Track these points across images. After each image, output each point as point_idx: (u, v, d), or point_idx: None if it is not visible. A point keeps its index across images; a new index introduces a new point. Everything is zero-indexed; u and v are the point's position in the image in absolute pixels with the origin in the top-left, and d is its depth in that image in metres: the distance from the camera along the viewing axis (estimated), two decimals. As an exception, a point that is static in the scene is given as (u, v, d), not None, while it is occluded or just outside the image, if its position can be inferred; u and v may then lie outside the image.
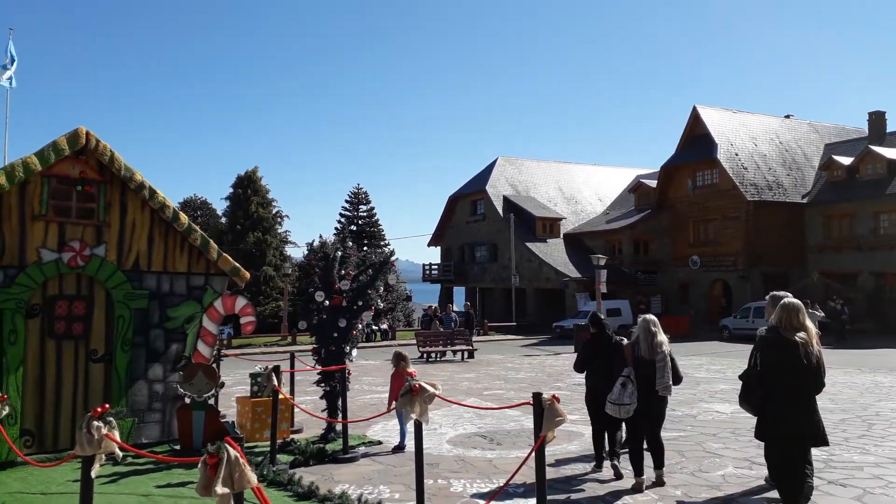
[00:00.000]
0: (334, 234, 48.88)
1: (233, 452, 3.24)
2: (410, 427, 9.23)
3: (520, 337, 34.04)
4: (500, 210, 43.31)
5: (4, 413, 5.88)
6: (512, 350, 26.68)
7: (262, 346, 28.94)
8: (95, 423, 3.91)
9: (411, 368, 9.16)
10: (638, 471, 6.83)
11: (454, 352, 22.65)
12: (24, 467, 7.54)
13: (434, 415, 10.62)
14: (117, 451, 3.99)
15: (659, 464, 6.94)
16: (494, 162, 47.25)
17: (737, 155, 37.12)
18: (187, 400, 8.57)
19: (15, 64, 23.66)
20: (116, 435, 4.00)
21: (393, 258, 10.21)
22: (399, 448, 8.73)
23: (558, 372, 18.28)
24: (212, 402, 8.75)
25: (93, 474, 3.99)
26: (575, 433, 9.61)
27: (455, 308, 33.18)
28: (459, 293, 49.56)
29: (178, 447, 8.61)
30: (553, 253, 40.90)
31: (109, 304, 8.85)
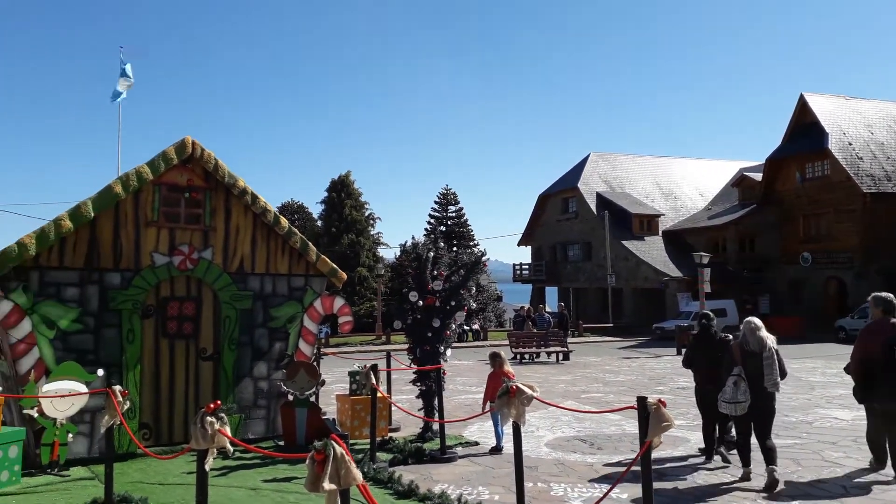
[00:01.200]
0: (424, 234, 49.40)
1: (339, 449, 3.27)
2: (507, 429, 9.14)
3: (617, 339, 33.19)
4: (593, 207, 42.42)
5: (126, 407, 6.25)
6: (609, 352, 26.04)
7: (357, 345, 29.64)
8: (208, 418, 4.06)
9: (508, 368, 9.05)
10: (745, 462, 7.08)
11: (548, 353, 22.35)
12: (144, 458, 7.99)
13: (531, 417, 10.50)
14: (228, 445, 4.13)
15: (771, 460, 6.85)
16: (586, 158, 46.35)
17: (850, 144, 34.72)
18: (290, 397, 8.84)
19: (130, 80, 25.33)
20: (228, 430, 4.14)
21: (485, 258, 10.14)
22: (496, 450, 8.65)
23: (660, 375, 17.67)
24: (313, 399, 8.99)
25: (207, 467, 4.15)
26: (681, 439, 9.22)
27: (548, 308, 32.75)
28: (552, 293, 48.92)
29: (282, 443, 8.89)
30: (651, 251, 39.65)
31: (216, 305, 9.26)
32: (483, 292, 41.70)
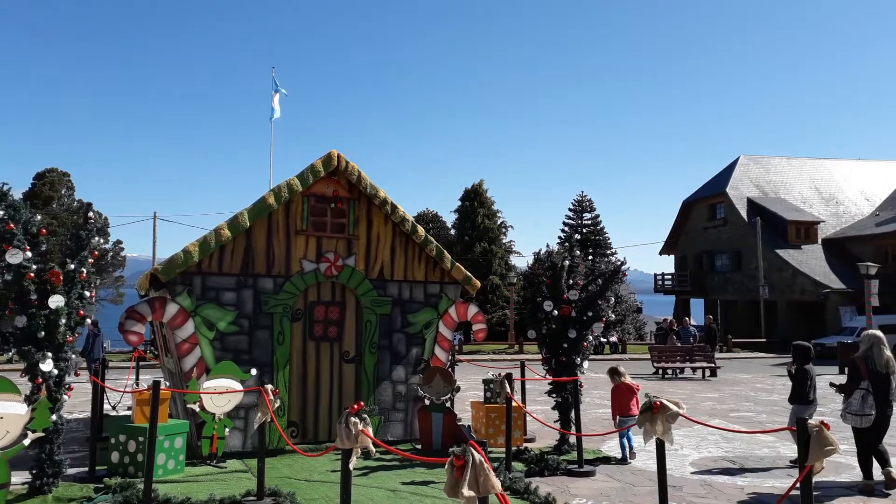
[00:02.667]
0: (558, 243, 48.75)
1: (478, 456, 3.25)
2: (635, 443, 8.81)
3: (770, 355, 30.89)
4: (743, 214, 39.85)
5: (276, 405, 6.63)
6: (761, 369, 24.28)
7: (490, 353, 29.71)
8: (352, 419, 4.19)
9: (630, 380, 8.97)
10: (867, 474, 7.30)
11: (693, 369, 21.22)
12: (291, 455, 8.44)
13: (674, 434, 9.97)
14: (371, 447, 4.24)
15: (885, 462, 7.29)
16: (735, 161, 43.68)
17: None
18: (427, 402, 8.99)
19: (278, 97, 27.15)
20: (370, 431, 4.25)
21: (624, 267, 9.78)
22: (622, 461, 8.60)
23: (819, 396, 16.19)
24: (448, 405, 9.09)
25: (351, 466, 4.29)
26: (844, 465, 8.38)
27: (693, 321, 31.12)
28: (697, 305, 46.43)
29: (419, 446, 9.05)
30: (809, 261, 36.62)
31: (358, 310, 9.63)
32: (622, 303, 40.44)
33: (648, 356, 22.31)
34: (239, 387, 8.11)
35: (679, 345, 22.38)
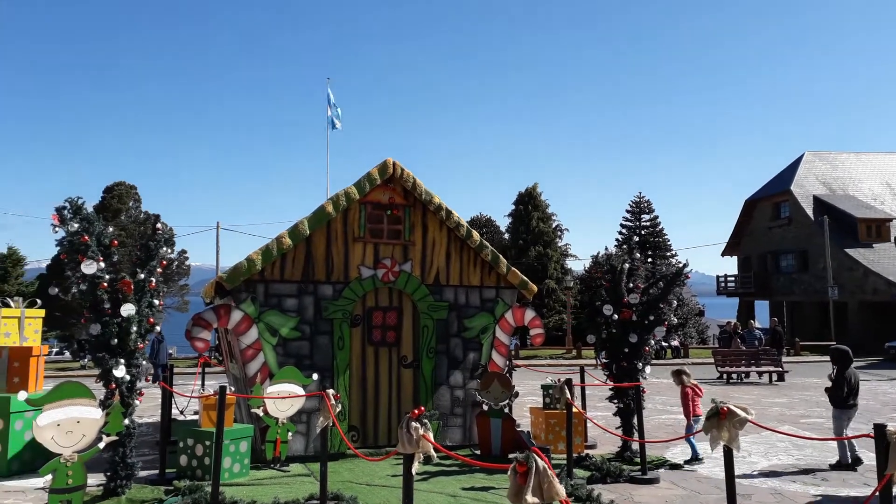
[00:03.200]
0: (616, 245, 47.93)
1: (541, 463, 3.22)
2: (702, 448, 8.60)
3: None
4: (809, 212, 38.38)
5: (338, 410, 6.72)
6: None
7: (547, 358, 29.41)
8: (413, 423, 4.21)
9: (694, 382, 9.02)
10: None
11: (760, 373, 20.51)
12: (352, 459, 8.54)
13: (742, 441, 9.65)
14: (432, 452, 4.25)
15: None
16: (800, 158, 42.14)
17: None
18: (485, 407, 8.95)
19: (338, 108, 27.67)
20: (431, 436, 4.26)
21: (687, 269, 9.53)
22: (694, 459, 8.69)
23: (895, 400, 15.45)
24: (507, 410, 9.03)
25: (413, 471, 4.31)
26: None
27: (757, 324, 30.10)
28: (762, 307, 44.91)
29: (478, 452, 9.02)
30: (882, 260, 34.96)
31: (415, 315, 9.69)
32: (683, 306, 39.43)
33: (712, 360, 21.68)
34: (301, 391, 8.26)
35: (744, 348, 21.69)
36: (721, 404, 5.39)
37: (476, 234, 10.09)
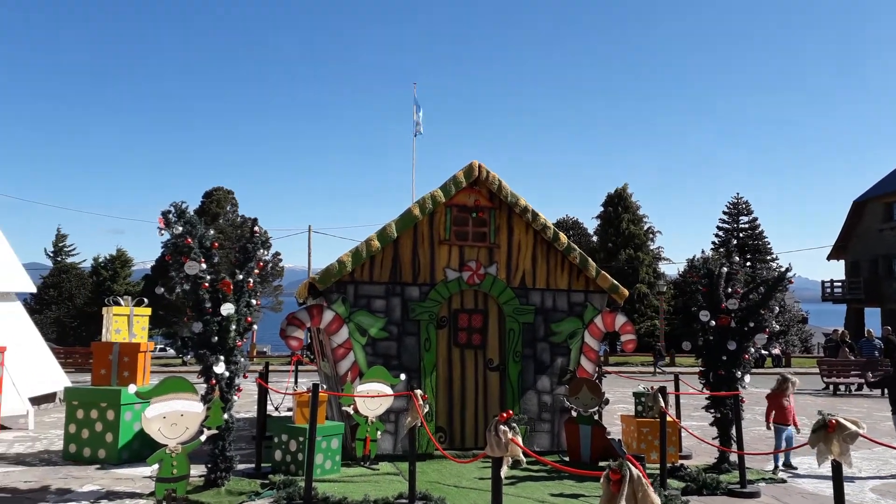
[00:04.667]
0: (712, 248, 46.08)
1: (635, 471, 3.11)
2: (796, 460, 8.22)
3: (961, 370, 27.24)
4: (926, 213, 35.60)
5: (426, 410, 6.77)
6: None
7: (638, 365, 28.62)
8: (502, 427, 4.18)
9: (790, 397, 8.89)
10: None
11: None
12: (440, 460, 8.58)
13: (852, 456, 9.04)
14: (521, 456, 4.20)
15: None
16: (914, 155, 39.17)
17: None
18: (574, 413, 8.79)
19: (421, 113, 28.01)
20: (520, 440, 4.21)
21: (790, 274, 9.02)
22: (787, 465, 8.67)
23: None
24: (596, 417, 8.82)
25: (502, 474, 4.27)
26: None
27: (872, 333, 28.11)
28: (873, 315, 41.95)
29: (566, 458, 8.86)
30: None
31: (501, 318, 9.64)
32: (785, 313, 37.43)
33: (816, 370, 20.42)
34: (389, 391, 8.38)
35: (853, 358, 20.32)
36: (829, 417, 5.07)
37: (563, 237, 9.94)
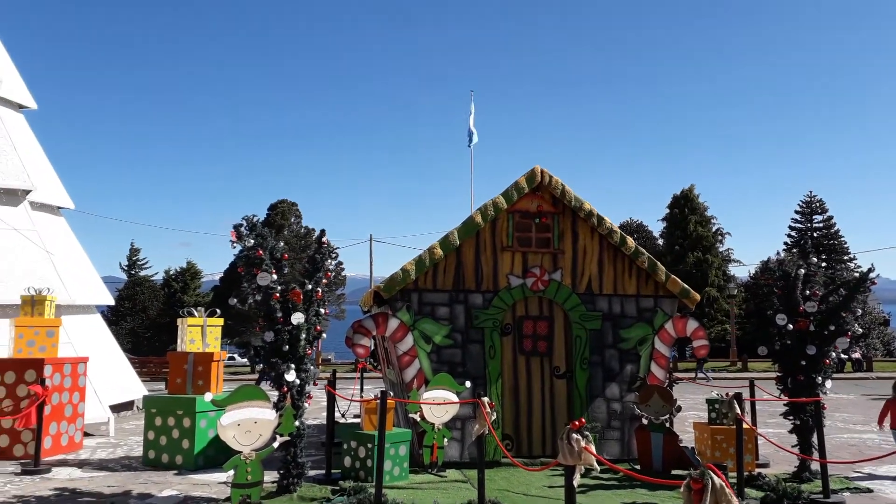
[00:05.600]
0: (784, 249, 44.39)
1: (717, 481, 3.01)
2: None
3: None
4: None
5: (493, 418, 6.74)
6: None
7: (709, 371, 27.76)
8: (574, 435, 4.11)
9: None
10: None
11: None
12: (507, 468, 8.51)
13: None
14: (595, 464, 4.12)
15: None
16: None
17: None
18: (644, 421, 8.59)
19: (472, 118, 27.96)
20: (593, 448, 4.13)
21: (873, 274, 8.58)
22: None
23: None
24: (667, 424, 8.59)
25: (574, 483, 4.20)
26: None
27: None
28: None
29: (637, 467, 8.66)
30: None
31: (567, 325, 9.51)
32: (866, 315, 35.70)
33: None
34: (455, 398, 8.38)
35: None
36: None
37: (631, 241, 9.75)
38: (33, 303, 10.00)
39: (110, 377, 12.85)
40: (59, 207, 14.22)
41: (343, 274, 47.98)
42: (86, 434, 10.77)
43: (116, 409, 12.89)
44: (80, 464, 9.00)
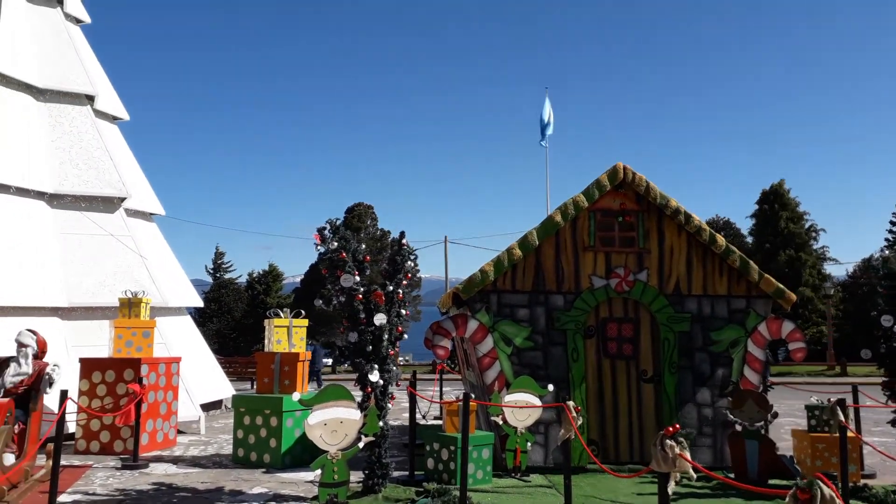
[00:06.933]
0: (886, 246, 41.66)
1: (827, 491, 2.79)
2: None
3: None
4: None
5: (580, 422, 6.57)
6: None
7: (804, 375, 26.38)
8: (668, 441, 3.93)
9: None
10: None
11: None
12: (593, 474, 8.30)
13: None
14: (691, 471, 3.93)
15: None
16: None
17: None
18: (738, 427, 8.19)
19: (552, 117, 27.63)
20: (688, 454, 3.94)
21: None
22: None
23: None
24: (762, 431, 8.16)
25: (669, 491, 4.01)
26: None
27: None
28: None
29: (731, 475, 8.27)
30: None
31: (654, 327, 9.19)
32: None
33: None
34: (537, 402, 8.24)
35: None
36: None
37: (721, 239, 9.33)
38: (130, 305, 10.52)
39: (200, 377, 13.37)
40: (151, 214, 14.93)
41: (419, 275, 48.43)
42: (179, 431, 11.23)
43: (206, 407, 13.39)
44: (175, 460, 9.38)
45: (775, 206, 40.26)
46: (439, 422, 10.79)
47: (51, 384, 7.33)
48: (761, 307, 9.22)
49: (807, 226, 41.04)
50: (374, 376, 6.99)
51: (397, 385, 7.42)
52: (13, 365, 7.36)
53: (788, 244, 39.08)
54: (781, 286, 9.31)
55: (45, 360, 7.65)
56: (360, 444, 6.77)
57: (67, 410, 6.59)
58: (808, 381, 23.76)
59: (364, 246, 7.53)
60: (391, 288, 7.33)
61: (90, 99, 13.73)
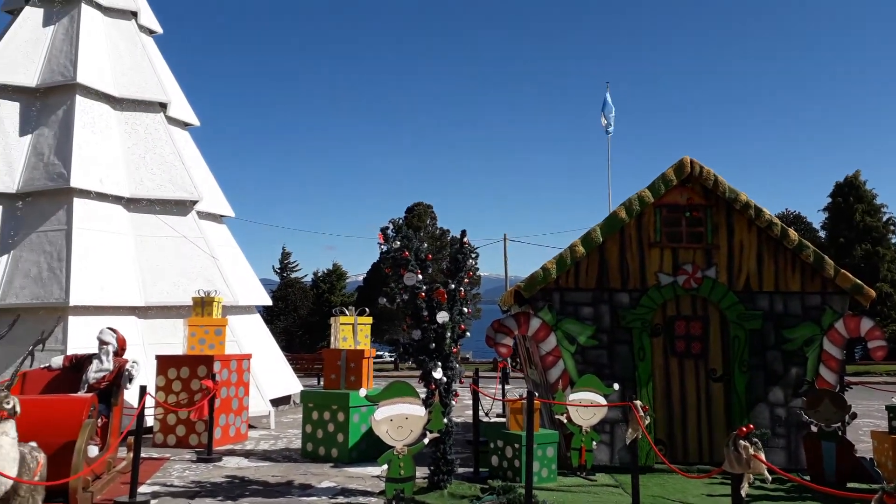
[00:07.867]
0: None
1: (922, 499, 2.65)
2: None
3: None
4: None
5: (647, 422, 6.47)
6: None
7: (882, 375, 25.18)
8: (742, 442, 3.83)
9: None
10: None
11: None
12: (661, 474, 8.14)
13: None
14: (765, 472, 3.82)
15: None
16: None
17: None
18: (814, 428, 7.89)
19: (613, 112, 27.17)
20: (762, 455, 3.83)
21: None
22: None
23: None
24: (840, 433, 7.83)
25: (742, 493, 3.91)
26: None
27: None
28: None
29: (807, 477, 7.98)
30: None
31: (724, 325, 8.94)
32: None
33: None
34: (603, 401, 8.14)
35: None
36: None
37: (793, 233, 9.01)
38: (203, 304, 10.92)
39: (270, 373, 13.74)
40: (222, 216, 15.43)
41: (478, 273, 48.36)
42: (250, 426, 11.58)
43: (276, 403, 13.76)
44: (247, 454, 9.69)
45: (850, 198, 38.50)
46: (502, 419, 10.78)
47: (130, 380, 7.67)
48: (838, 304, 8.85)
49: (884, 219, 39.08)
50: (438, 373, 7.05)
51: (461, 382, 7.46)
52: (95, 362, 7.74)
53: (864, 238, 37.30)
54: (859, 282, 8.92)
55: (124, 357, 8.03)
56: (426, 441, 6.84)
57: (146, 405, 6.89)
58: (888, 381, 22.65)
59: (426, 245, 7.60)
60: (453, 286, 7.38)
61: (163, 106, 14.29)
